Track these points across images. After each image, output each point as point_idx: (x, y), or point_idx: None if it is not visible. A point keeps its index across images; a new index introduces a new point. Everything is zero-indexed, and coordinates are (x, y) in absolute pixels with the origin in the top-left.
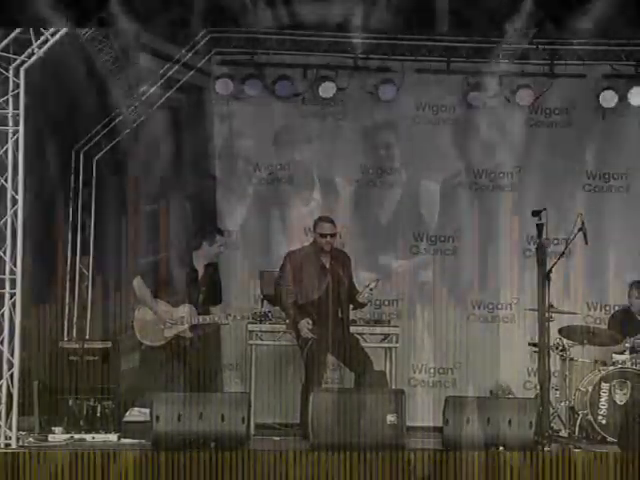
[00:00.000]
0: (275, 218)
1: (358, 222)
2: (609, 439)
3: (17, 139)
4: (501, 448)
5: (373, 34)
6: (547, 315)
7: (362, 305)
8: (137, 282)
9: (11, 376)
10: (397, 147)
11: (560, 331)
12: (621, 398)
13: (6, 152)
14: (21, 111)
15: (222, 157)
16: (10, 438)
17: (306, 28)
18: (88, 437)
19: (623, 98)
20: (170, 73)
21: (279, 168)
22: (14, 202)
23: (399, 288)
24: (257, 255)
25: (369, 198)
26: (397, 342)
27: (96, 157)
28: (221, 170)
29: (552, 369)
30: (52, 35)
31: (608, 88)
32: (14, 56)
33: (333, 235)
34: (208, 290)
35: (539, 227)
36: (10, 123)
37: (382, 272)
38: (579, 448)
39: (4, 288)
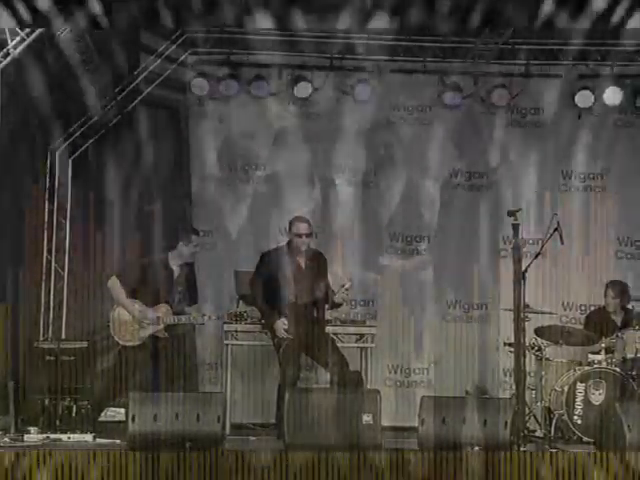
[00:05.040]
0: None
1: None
2: (585, 439)
3: None
4: (476, 448)
5: (350, 34)
6: (523, 315)
7: (338, 305)
8: (112, 282)
9: None
10: (372, 147)
11: (536, 331)
12: (597, 398)
13: None
14: None
15: (200, 156)
16: None
17: (283, 28)
18: (64, 437)
19: (599, 98)
20: (145, 73)
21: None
22: None
23: (375, 288)
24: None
25: (350, 198)
26: (373, 342)
27: (72, 157)
28: (201, 169)
29: (528, 369)
30: (28, 35)
31: (584, 88)
32: None
33: (309, 235)
34: (184, 290)
35: (514, 227)
36: None
37: (360, 272)
38: (555, 448)
39: None
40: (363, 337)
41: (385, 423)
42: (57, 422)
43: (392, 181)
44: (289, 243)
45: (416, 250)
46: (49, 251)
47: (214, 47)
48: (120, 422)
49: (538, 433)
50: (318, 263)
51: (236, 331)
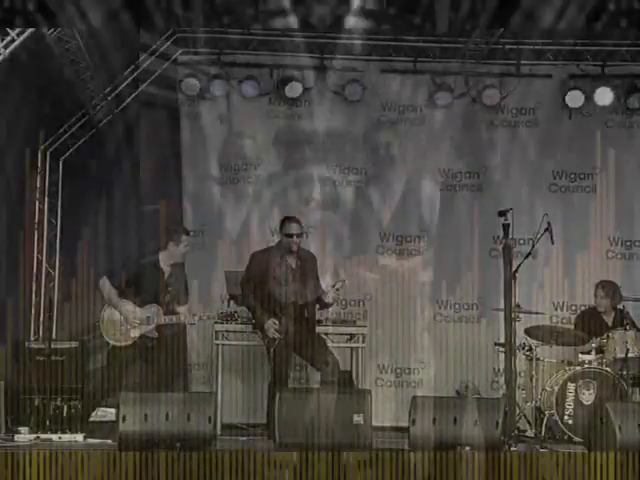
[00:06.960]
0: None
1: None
2: (575, 439)
3: None
4: (467, 448)
5: (340, 34)
6: (513, 315)
7: (328, 305)
8: (103, 282)
9: None
10: (366, 147)
11: (526, 331)
12: (587, 398)
13: None
14: None
15: (191, 156)
16: None
17: (273, 28)
18: (54, 437)
19: (589, 98)
20: (136, 73)
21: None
22: None
23: (367, 288)
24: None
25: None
26: (363, 342)
27: (63, 157)
28: (192, 169)
29: (518, 369)
30: (18, 35)
31: (574, 88)
32: None
33: (299, 235)
34: (174, 290)
35: (505, 227)
36: None
37: (357, 272)
38: (545, 448)
39: None
40: (354, 337)
41: (376, 423)
42: (47, 422)
43: (387, 181)
44: (280, 243)
45: (407, 250)
46: (40, 251)
47: (205, 47)
48: (111, 422)
49: (529, 433)
50: (309, 263)
51: (227, 331)
